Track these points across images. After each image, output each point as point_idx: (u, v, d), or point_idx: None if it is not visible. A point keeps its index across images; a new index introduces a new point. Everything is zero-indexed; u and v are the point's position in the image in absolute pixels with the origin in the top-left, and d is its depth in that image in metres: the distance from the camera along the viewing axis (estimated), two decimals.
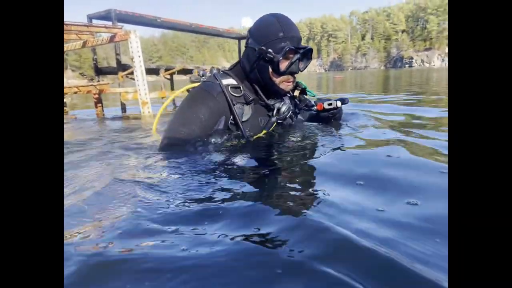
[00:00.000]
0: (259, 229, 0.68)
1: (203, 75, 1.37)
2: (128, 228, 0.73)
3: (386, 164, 1.05)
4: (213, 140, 1.20)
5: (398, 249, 0.59)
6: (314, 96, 1.49)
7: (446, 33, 77.73)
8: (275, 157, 1.14)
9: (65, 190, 0.97)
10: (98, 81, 3.74)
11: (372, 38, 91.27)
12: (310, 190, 0.88)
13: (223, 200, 0.82)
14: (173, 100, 4.84)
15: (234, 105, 1.23)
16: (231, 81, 1.28)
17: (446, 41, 78.33)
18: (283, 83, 1.26)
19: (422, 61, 78.61)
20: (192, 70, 4.60)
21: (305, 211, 0.74)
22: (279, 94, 1.32)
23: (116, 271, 0.61)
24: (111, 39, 3.09)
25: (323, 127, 1.48)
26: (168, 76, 4.89)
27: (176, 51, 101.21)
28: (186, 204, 0.82)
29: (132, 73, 3.38)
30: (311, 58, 1.30)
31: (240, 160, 1.10)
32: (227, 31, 5.33)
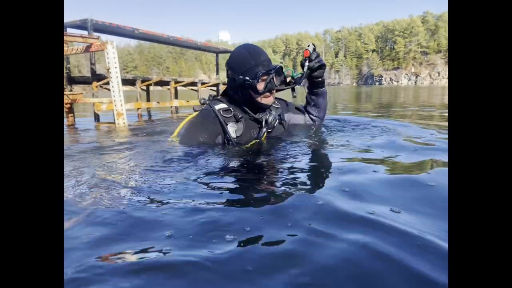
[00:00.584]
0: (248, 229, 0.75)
1: (203, 103, 1.64)
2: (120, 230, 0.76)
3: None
4: (214, 150, 1.46)
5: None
6: (300, 74, 1.71)
7: (412, 54, 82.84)
8: (261, 160, 1.36)
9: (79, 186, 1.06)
10: (71, 90, 3.64)
11: (345, 56, 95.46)
12: (288, 186, 1.03)
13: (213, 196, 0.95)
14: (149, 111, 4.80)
15: (227, 124, 1.51)
16: (222, 105, 1.55)
17: (412, 62, 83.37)
18: (264, 99, 1.54)
19: (391, 79, 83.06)
20: (169, 82, 4.59)
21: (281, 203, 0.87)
22: (264, 108, 1.59)
23: (116, 270, 0.62)
24: (87, 49, 3.05)
25: (306, 137, 1.76)
26: (144, 87, 4.84)
27: (152, 61, 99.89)
28: (187, 202, 0.91)
29: (107, 83, 3.33)
30: (283, 73, 1.58)
31: (232, 163, 1.31)
32: (205, 45, 5.40)
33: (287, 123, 1.77)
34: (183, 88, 5.46)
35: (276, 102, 1.71)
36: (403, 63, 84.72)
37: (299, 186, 1.03)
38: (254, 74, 1.46)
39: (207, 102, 1.60)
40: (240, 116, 1.54)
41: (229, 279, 0.59)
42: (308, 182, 1.10)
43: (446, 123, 2.97)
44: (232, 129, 1.52)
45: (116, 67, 2.97)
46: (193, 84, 5.14)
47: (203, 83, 5.17)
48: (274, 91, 1.57)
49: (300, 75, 1.67)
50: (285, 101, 1.86)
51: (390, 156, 1.40)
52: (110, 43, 2.93)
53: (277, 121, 1.62)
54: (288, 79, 1.65)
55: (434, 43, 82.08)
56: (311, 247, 0.67)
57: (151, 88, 5.04)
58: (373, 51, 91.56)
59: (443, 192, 0.96)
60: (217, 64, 6.29)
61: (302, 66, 1.69)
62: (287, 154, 1.42)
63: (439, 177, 1.09)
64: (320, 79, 1.75)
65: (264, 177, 1.16)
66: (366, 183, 1.06)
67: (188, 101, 4.96)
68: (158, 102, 4.39)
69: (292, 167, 1.24)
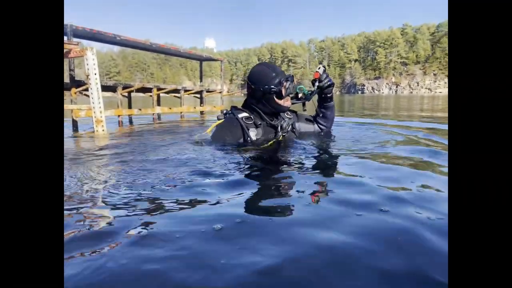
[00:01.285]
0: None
1: (226, 113, 1.99)
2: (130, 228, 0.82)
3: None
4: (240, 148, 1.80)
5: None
6: (309, 91, 2.06)
7: (392, 64, 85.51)
8: (278, 154, 1.74)
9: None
10: None
11: (328, 65, 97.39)
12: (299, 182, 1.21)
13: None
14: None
15: (248, 129, 1.89)
16: (244, 114, 1.95)
17: (393, 72, 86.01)
18: (286, 102, 1.93)
19: (373, 88, 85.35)
20: (151, 88, 4.54)
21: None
22: (284, 112, 2.01)
23: (116, 268, 0.63)
24: (66, 54, 2.99)
25: (315, 138, 2.12)
26: (126, 94, 4.77)
27: (136, 67, 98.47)
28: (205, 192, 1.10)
29: (86, 89, 3.26)
30: (294, 81, 1.95)
31: (255, 157, 1.64)
32: (188, 52, 5.39)
33: (298, 131, 2.13)
34: (166, 95, 5.42)
35: (288, 113, 2.10)
36: (384, 73, 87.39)
37: (308, 174, 1.33)
38: (278, 82, 1.86)
39: (230, 111, 1.97)
40: (259, 123, 1.93)
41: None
42: (317, 170, 1.42)
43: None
44: (253, 133, 1.90)
45: (95, 74, 2.92)
46: (176, 91, 5.10)
47: (186, 90, 5.14)
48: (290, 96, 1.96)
49: (310, 92, 2.00)
50: (296, 112, 2.21)
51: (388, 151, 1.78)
52: (90, 49, 2.88)
53: (290, 127, 1.98)
54: (300, 95, 2.01)
55: (413, 54, 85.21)
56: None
57: (133, 94, 4.96)
58: (355, 60, 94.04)
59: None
60: (201, 72, 6.28)
61: (313, 84, 2.01)
62: (300, 149, 1.82)
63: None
64: (329, 95, 2.09)
65: (280, 167, 1.49)
66: (361, 171, 1.34)
67: (170, 108, 4.91)
68: (140, 109, 4.33)
69: (302, 159, 1.60)
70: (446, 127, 3.31)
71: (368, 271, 0.61)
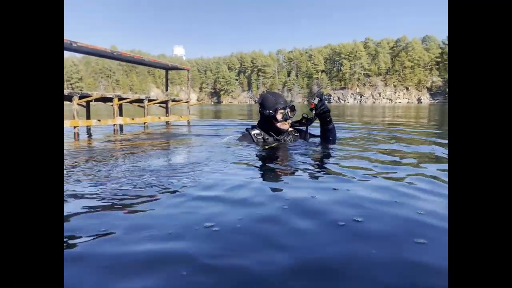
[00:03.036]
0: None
1: (244, 132, 2.77)
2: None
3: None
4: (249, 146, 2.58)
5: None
6: (310, 117, 2.61)
7: (356, 75, 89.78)
8: (280, 152, 2.43)
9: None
10: None
11: (296, 76, 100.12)
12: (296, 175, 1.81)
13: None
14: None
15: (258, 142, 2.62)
16: (256, 131, 2.65)
17: (357, 83, 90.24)
18: (282, 125, 2.55)
19: (339, 98, 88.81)
20: (112, 98, 4.31)
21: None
22: (283, 132, 2.59)
23: (116, 267, 0.70)
24: None
25: (314, 147, 2.61)
26: (84, 104, 4.49)
27: (100, 73, 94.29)
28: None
29: None
30: (295, 110, 2.57)
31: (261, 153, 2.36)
32: (153, 61, 5.22)
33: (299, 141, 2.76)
34: (130, 104, 5.18)
35: (295, 131, 2.72)
36: (349, 83, 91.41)
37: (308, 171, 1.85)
38: (274, 109, 2.49)
39: (246, 129, 2.71)
40: (267, 137, 2.61)
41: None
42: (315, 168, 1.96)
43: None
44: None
45: None
46: (140, 101, 4.90)
47: (150, 100, 4.96)
48: (289, 120, 2.56)
49: (311, 118, 2.54)
50: (302, 131, 2.75)
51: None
52: None
53: (292, 141, 2.64)
54: (303, 121, 2.60)
55: (374, 67, 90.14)
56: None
57: (95, 103, 4.68)
58: (322, 71, 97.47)
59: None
60: (166, 81, 6.10)
61: (312, 111, 2.45)
62: (299, 150, 2.44)
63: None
64: (327, 119, 2.48)
65: (281, 163, 2.11)
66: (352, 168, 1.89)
67: (133, 119, 4.70)
68: (99, 120, 4.09)
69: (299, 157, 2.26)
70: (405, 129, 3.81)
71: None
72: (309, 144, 2.61)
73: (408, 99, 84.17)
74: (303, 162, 2.05)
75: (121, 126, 4.85)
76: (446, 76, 79.90)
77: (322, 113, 2.39)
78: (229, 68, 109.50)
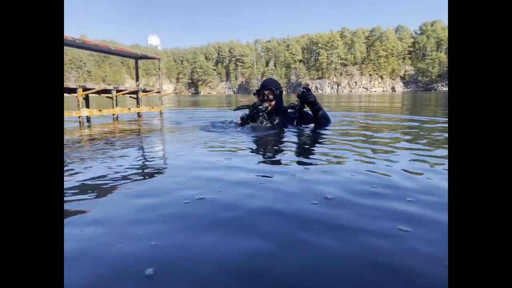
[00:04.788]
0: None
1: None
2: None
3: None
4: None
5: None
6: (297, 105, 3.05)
7: (333, 65, 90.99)
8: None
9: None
10: None
11: (274, 65, 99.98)
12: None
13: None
14: None
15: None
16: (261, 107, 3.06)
17: (334, 72, 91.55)
18: (264, 103, 2.99)
19: (316, 88, 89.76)
20: (75, 89, 4.03)
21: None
22: (265, 109, 2.97)
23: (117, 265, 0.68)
24: None
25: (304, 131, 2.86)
26: None
27: (70, 64, 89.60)
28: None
29: None
30: (268, 89, 3.02)
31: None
32: (121, 50, 4.93)
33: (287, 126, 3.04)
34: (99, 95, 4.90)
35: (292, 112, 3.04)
36: (326, 73, 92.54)
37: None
38: (257, 91, 3.09)
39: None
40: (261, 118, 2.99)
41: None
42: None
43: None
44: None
45: None
46: (107, 91, 4.64)
47: (119, 91, 4.70)
48: (269, 100, 3.00)
49: (298, 105, 2.91)
50: (294, 117, 3.04)
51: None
52: None
53: (280, 122, 2.99)
54: (295, 105, 2.95)
55: (351, 56, 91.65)
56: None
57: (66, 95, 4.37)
58: (300, 61, 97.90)
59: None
60: (136, 70, 5.83)
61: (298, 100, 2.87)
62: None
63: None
64: (316, 106, 2.81)
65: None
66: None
67: (100, 110, 4.45)
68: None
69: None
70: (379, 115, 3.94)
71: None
72: (294, 128, 2.91)
73: (383, 87, 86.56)
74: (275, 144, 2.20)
75: (88, 118, 4.58)
76: (418, 65, 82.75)
77: (307, 102, 2.75)
78: (206, 58, 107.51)
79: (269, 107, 2.96)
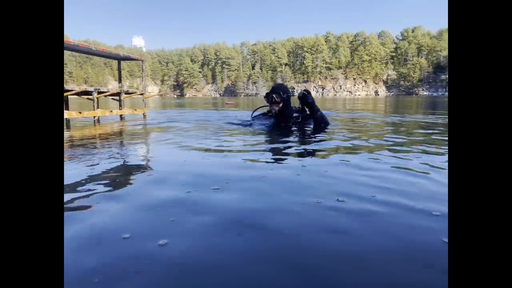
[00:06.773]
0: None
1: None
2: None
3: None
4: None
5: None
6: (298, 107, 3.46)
7: (318, 69, 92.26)
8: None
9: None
10: None
11: (261, 68, 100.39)
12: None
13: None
14: None
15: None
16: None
17: (319, 76, 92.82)
18: (271, 106, 3.29)
19: None
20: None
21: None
22: (273, 110, 3.29)
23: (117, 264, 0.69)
24: None
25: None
26: None
27: None
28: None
29: None
30: (276, 93, 3.23)
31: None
32: (103, 51, 4.78)
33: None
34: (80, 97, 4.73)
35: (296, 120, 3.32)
36: (312, 76, 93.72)
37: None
38: (266, 95, 3.32)
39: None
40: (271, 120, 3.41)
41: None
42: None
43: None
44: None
45: None
46: (87, 93, 4.49)
47: (100, 92, 4.56)
48: (276, 103, 3.22)
49: (299, 108, 3.34)
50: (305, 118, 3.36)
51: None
52: None
53: (292, 124, 3.30)
54: (298, 108, 3.35)
55: (335, 60, 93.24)
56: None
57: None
58: (285, 64, 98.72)
59: None
60: (119, 72, 5.67)
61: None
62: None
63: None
64: (313, 109, 3.17)
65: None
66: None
67: (81, 113, 4.30)
68: None
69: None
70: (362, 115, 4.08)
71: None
72: (297, 129, 3.21)
73: (367, 91, 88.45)
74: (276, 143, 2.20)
75: (68, 121, 4.41)
76: (400, 69, 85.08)
77: (306, 103, 3.13)
78: (192, 60, 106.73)
79: (277, 109, 3.24)
